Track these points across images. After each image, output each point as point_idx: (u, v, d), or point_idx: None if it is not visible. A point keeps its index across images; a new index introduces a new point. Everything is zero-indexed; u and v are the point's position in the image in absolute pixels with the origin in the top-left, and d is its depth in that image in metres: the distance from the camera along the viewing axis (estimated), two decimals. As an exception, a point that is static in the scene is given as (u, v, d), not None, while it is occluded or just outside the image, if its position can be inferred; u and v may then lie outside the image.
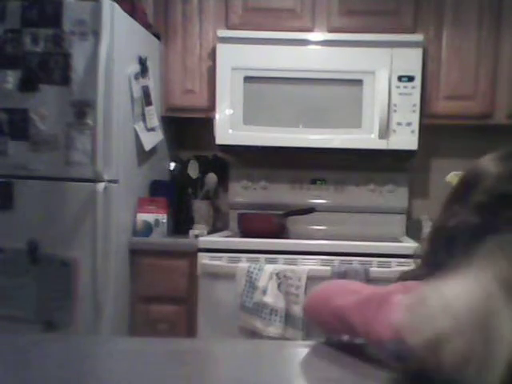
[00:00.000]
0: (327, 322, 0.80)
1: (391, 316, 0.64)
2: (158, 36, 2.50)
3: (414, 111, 2.40)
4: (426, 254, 0.83)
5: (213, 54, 2.47)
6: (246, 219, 2.43)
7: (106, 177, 2.06)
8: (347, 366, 0.74)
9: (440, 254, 0.76)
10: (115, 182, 2.12)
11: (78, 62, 2.04)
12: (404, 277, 0.86)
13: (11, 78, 2.06)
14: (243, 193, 2.72)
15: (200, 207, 2.56)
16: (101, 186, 2.03)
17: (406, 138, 2.40)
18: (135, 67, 2.27)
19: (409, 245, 2.29)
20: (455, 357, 0.53)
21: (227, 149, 2.61)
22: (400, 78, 2.39)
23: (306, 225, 2.63)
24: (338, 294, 0.79)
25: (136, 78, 2.27)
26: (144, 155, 2.39)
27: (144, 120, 2.35)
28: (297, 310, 2.06)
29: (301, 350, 0.85)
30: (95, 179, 2.04)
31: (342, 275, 2.08)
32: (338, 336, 0.80)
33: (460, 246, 0.71)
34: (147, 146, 2.38)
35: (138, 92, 2.29)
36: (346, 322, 0.73)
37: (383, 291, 0.72)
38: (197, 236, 2.33)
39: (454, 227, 0.75)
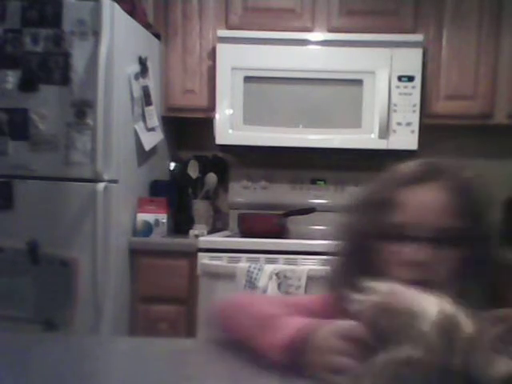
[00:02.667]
0: (233, 335, 0.86)
1: (274, 337, 0.75)
2: (158, 36, 2.50)
3: (414, 111, 2.40)
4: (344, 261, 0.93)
5: (213, 54, 2.47)
6: (245, 219, 2.43)
7: (105, 177, 2.06)
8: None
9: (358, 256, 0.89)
10: (115, 181, 2.12)
11: (78, 62, 2.04)
12: (330, 285, 0.94)
13: (11, 77, 2.06)
14: (243, 193, 2.72)
15: (200, 207, 2.56)
16: (101, 186, 2.03)
17: (405, 138, 2.40)
18: (135, 67, 2.27)
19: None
20: None
21: (227, 149, 2.61)
22: (400, 78, 2.39)
23: (306, 225, 2.63)
24: (242, 313, 0.86)
25: (136, 78, 2.27)
26: (144, 155, 2.39)
27: (144, 120, 2.35)
28: (297, 309, 2.06)
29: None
30: (95, 179, 2.04)
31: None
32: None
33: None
34: (147, 146, 2.38)
35: (137, 92, 2.29)
36: (246, 341, 0.82)
37: (270, 315, 0.82)
38: (197, 236, 2.33)
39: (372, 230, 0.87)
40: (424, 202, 0.86)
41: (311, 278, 2.09)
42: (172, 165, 2.70)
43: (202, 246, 2.22)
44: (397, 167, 0.92)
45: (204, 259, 2.20)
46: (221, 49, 2.43)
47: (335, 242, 0.93)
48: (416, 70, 2.39)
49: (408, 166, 0.92)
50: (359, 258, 0.88)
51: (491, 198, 0.89)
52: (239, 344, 0.83)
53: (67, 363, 0.74)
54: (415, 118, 2.40)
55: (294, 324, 0.76)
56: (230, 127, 2.44)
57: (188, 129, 2.76)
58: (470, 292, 0.82)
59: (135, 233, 2.32)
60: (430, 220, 0.84)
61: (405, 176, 0.89)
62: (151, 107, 2.37)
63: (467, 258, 0.84)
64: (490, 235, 0.87)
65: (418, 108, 2.40)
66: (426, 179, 0.88)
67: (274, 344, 0.75)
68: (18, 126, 2.07)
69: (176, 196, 2.56)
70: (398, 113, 2.39)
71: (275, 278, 2.08)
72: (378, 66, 2.38)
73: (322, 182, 2.72)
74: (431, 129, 2.53)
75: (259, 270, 2.09)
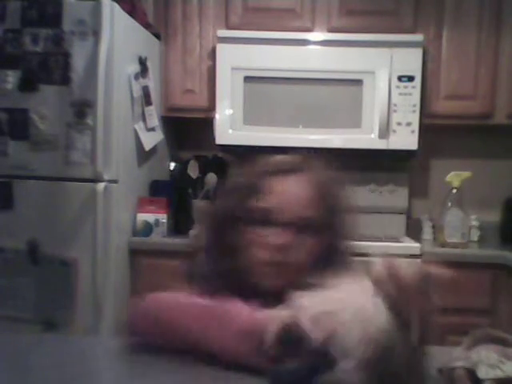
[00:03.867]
0: (162, 337, 0.81)
1: (240, 329, 0.73)
2: (158, 36, 2.50)
3: (414, 111, 2.40)
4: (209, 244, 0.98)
5: (213, 54, 2.47)
6: (246, 219, 2.43)
7: (106, 177, 2.06)
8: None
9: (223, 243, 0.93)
10: (115, 181, 2.12)
11: (78, 62, 2.04)
12: (191, 274, 0.98)
13: (11, 77, 2.06)
14: (243, 193, 2.72)
15: (200, 207, 2.56)
16: (101, 185, 2.03)
17: (405, 138, 2.40)
18: (135, 67, 2.27)
19: (409, 245, 2.29)
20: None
21: (227, 149, 2.61)
22: (400, 78, 2.39)
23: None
24: (173, 310, 0.82)
25: (136, 78, 2.27)
26: (144, 155, 2.39)
27: (144, 120, 2.35)
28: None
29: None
30: (95, 179, 2.04)
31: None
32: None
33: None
34: (147, 146, 2.38)
35: (137, 92, 2.28)
36: (188, 339, 0.77)
37: (221, 308, 0.78)
38: (197, 236, 2.33)
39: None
40: (288, 192, 0.93)
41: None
42: (172, 165, 2.69)
43: (202, 246, 2.22)
44: (265, 159, 1.00)
45: (204, 259, 2.19)
46: (221, 49, 2.43)
47: (199, 229, 1.00)
48: (416, 70, 2.39)
49: (276, 158, 1.00)
50: (222, 242, 0.94)
51: (345, 195, 0.99)
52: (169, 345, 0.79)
53: (67, 363, 0.74)
54: (415, 118, 2.40)
55: (246, 312, 0.76)
56: (230, 127, 2.44)
57: (188, 129, 2.76)
58: (323, 274, 0.88)
59: (135, 233, 2.32)
60: (291, 208, 0.92)
61: (272, 166, 0.97)
62: (151, 107, 2.37)
63: (321, 244, 0.93)
64: (341, 227, 0.97)
65: (417, 108, 2.40)
66: (291, 171, 0.95)
67: (232, 332, 0.74)
68: (18, 126, 2.07)
69: (176, 196, 2.56)
70: (398, 113, 2.39)
71: (275, 278, 2.08)
72: (378, 66, 2.38)
73: (322, 182, 2.72)
74: (431, 129, 2.54)
75: (259, 270, 2.09)
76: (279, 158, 1.01)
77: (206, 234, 0.99)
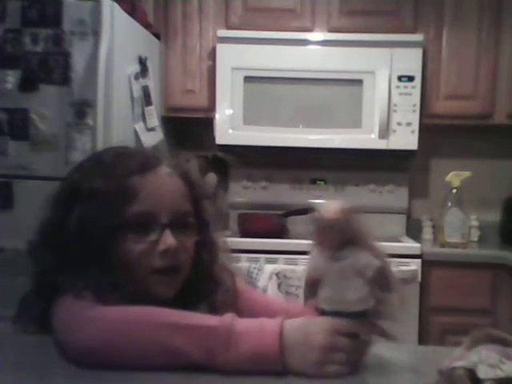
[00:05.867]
0: (146, 358, 0.72)
1: (249, 345, 0.70)
2: (158, 36, 2.50)
3: (414, 111, 2.40)
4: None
5: (213, 54, 2.48)
6: (245, 219, 2.43)
7: (106, 177, 2.06)
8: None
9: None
10: (115, 182, 2.12)
11: (78, 62, 2.04)
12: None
13: (11, 77, 2.06)
14: (243, 193, 2.72)
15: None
16: (101, 186, 2.03)
17: (405, 138, 2.40)
18: (135, 67, 2.27)
19: (409, 245, 2.29)
20: None
21: (227, 149, 2.61)
22: (400, 78, 2.39)
23: (306, 225, 2.63)
24: (160, 332, 0.73)
25: (136, 78, 2.26)
26: (144, 155, 2.39)
27: (144, 120, 2.35)
28: (297, 310, 2.06)
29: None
30: (95, 179, 2.03)
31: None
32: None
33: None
34: (147, 146, 2.37)
35: (138, 92, 2.28)
36: (184, 359, 0.71)
37: (210, 322, 0.75)
38: (197, 236, 2.33)
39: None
40: (159, 189, 0.86)
41: (311, 278, 2.08)
42: (172, 165, 2.69)
43: (201, 246, 2.22)
44: (116, 158, 0.89)
45: (204, 259, 2.19)
46: (221, 49, 2.43)
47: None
48: (416, 70, 2.39)
49: (130, 154, 0.91)
50: (98, 255, 0.83)
51: (206, 186, 0.97)
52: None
53: (67, 363, 0.74)
54: (415, 118, 2.40)
55: (253, 330, 0.72)
56: (230, 127, 2.44)
57: (188, 129, 2.76)
58: (200, 274, 0.89)
59: (135, 233, 2.31)
60: (168, 206, 0.85)
61: (132, 164, 0.86)
62: (151, 107, 2.37)
63: (197, 240, 0.89)
64: (210, 220, 0.93)
65: (417, 108, 2.40)
66: (153, 166, 0.87)
67: (241, 356, 0.70)
68: (18, 125, 2.07)
69: (176, 196, 2.55)
70: (397, 113, 2.39)
71: (275, 278, 2.08)
72: (378, 66, 2.39)
73: (322, 182, 2.72)
74: (431, 129, 2.54)
75: (259, 270, 2.09)
76: (133, 152, 0.91)
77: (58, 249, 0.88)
